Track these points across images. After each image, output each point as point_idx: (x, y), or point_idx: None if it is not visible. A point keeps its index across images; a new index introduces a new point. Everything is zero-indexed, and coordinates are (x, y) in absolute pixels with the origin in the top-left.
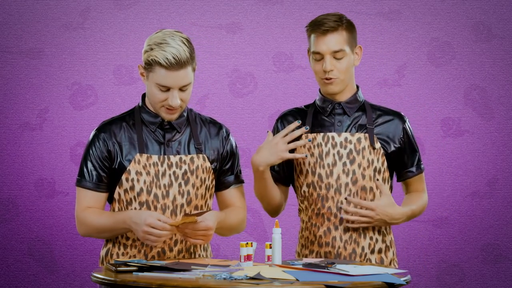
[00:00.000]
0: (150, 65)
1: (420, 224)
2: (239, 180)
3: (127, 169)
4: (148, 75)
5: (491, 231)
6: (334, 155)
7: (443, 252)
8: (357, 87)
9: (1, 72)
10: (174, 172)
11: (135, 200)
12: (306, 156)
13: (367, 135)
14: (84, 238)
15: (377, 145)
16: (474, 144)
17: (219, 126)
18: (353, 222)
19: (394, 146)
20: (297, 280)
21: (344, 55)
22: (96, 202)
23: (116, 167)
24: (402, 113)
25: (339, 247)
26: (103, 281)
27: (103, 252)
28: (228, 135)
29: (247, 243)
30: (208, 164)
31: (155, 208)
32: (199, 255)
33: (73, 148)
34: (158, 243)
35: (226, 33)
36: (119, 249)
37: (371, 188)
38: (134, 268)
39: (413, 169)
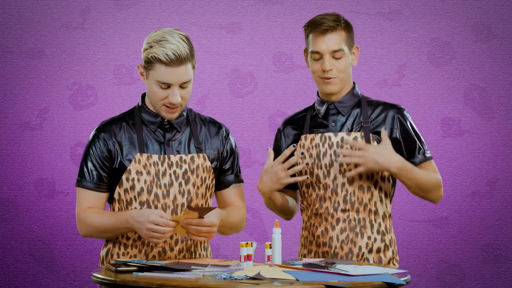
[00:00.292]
0: (150, 62)
1: (420, 224)
2: (238, 180)
3: (128, 168)
4: (148, 74)
5: (491, 231)
6: (331, 155)
7: (443, 252)
8: (354, 83)
9: (1, 72)
10: (174, 172)
11: (136, 200)
12: (308, 178)
13: (363, 133)
14: (84, 238)
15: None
16: (474, 144)
17: (219, 126)
18: (348, 166)
19: (391, 138)
20: (297, 280)
21: (342, 55)
22: (97, 202)
23: (117, 166)
24: (399, 105)
25: (335, 247)
26: (103, 281)
27: (103, 252)
28: (227, 134)
29: (247, 243)
30: (208, 163)
31: (156, 207)
32: (200, 255)
33: (73, 148)
34: (162, 240)
35: (226, 33)
36: (119, 249)
37: (369, 188)
38: (134, 268)
39: (415, 159)
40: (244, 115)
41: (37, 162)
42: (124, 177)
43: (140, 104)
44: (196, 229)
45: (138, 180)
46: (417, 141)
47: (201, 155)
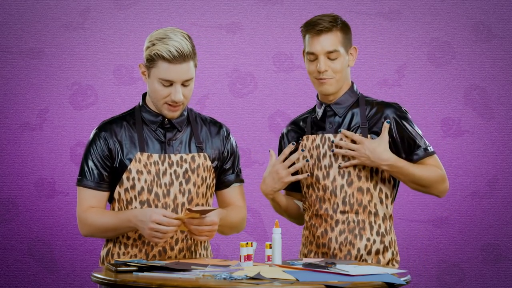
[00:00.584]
0: (152, 60)
1: (420, 224)
2: (239, 179)
3: (128, 168)
4: (150, 72)
5: (491, 231)
6: (330, 156)
7: (443, 252)
8: (352, 83)
9: (1, 72)
10: (175, 171)
11: (136, 199)
12: (309, 175)
13: (361, 135)
14: (84, 238)
15: (369, 138)
16: (474, 144)
17: (219, 126)
18: (343, 157)
19: (389, 137)
20: (297, 280)
21: (338, 56)
22: (98, 201)
23: (117, 165)
24: (396, 103)
25: (334, 249)
26: (103, 281)
27: (103, 252)
28: (228, 134)
29: (247, 243)
30: (209, 162)
31: (156, 207)
32: (200, 254)
33: (73, 148)
34: (163, 240)
35: (226, 33)
36: (119, 248)
37: (368, 189)
38: (134, 268)
39: (414, 156)
40: (244, 115)
41: (37, 162)
42: (124, 176)
43: (141, 103)
44: (197, 228)
45: (139, 179)
46: (416, 138)
47: (201, 154)
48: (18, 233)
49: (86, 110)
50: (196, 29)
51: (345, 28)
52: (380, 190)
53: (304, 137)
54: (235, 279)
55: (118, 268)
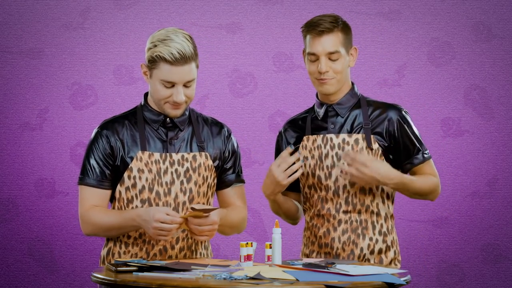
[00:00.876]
0: (154, 61)
1: (420, 224)
2: (240, 180)
3: (129, 166)
4: (152, 73)
5: (491, 231)
6: (332, 157)
7: (443, 252)
8: (352, 83)
9: (1, 72)
10: (176, 170)
11: (137, 198)
12: (304, 159)
13: (364, 135)
14: (84, 238)
15: (375, 145)
16: (474, 144)
17: (221, 126)
18: (348, 174)
19: (390, 139)
20: (297, 280)
21: (339, 57)
22: (100, 200)
23: (119, 164)
24: (399, 105)
25: (337, 248)
26: (103, 281)
27: (104, 251)
28: (229, 134)
29: (247, 243)
30: (210, 162)
31: (157, 205)
32: (201, 254)
33: (73, 148)
34: (169, 238)
35: (226, 33)
36: (120, 248)
37: (370, 189)
38: (134, 268)
39: (413, 160)
40: (244, 115)
41: (37, 162)
42: (125, 175)
43: (142, 103)
44: (198, 228)
45: (140, 178)
46: (416, 142)
47: (203, 153)
48: (18, 233)
49: (86, 110)
50: (196, 29)
51: (346, 29)
52: (382, 190)
53: (305, 137)
54: (235, 279)
55: (118, 268)
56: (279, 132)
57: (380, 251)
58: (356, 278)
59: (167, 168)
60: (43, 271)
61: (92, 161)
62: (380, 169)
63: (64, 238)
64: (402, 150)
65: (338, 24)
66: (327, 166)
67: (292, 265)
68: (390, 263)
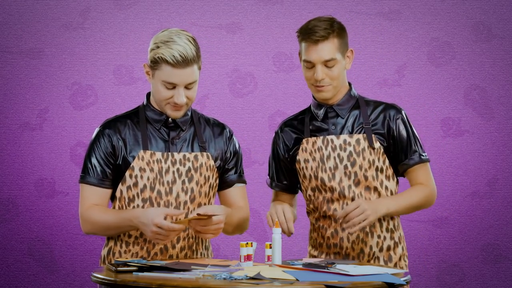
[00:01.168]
0: (156, 63)
1: (420, 224)
2: (242, 180)
3: (131, 165)
4: (154, 73)
5: (491, 231)
6: (335, 158)
7: (443, 252)
8: (349, 84)
9: (1, 72)
10: (177, 169)
11: (138, 197)
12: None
13: (365, 135)
14: (84, 238)
15: (376, 144)
16: (474, 144)
17: (223, 127)
18: (358, 230)
19: (389, 138)
20: (297, 280)
21: (335, 63)
22: (100, 199)
23: (120, 163)
24: (397, 105)
25: (347, 248)
26: (103, 281)
27: (104, 251)
28: (231, 135)
29: (247, 243)
30: (212, 162)
31: (158, 205)
32: (201, 254)
33: (73, 148)
34: (167, 241)
35: (226, 33)
36: (121, 247)
37: (375, 188)
38: (134, 268)
39: (409, 161)
40: (244, 115)
41: (37, 162)
42: (127, 173)
43: (145, 102)
44: (203, 228)
45: (141, 177)
46: (414, 143)
47: (204, 153)
48: (18, 233)
49: (86, 110)
50: (196, 29)
51: (341, 32)
52: (386, 188)
53: (304, 140)
54: (235, 279)
55: (118, 268)
56: (275, 132)
57: (388, 248)
58: (356, 278)
59: (168, 167)
60: (43, 271)
61: (93, 160)
62: (377, 205)
63: (64, 238)
64: (399, 151)
65: (333, 30)
66: (329, 168)
67: (292, 265)
68: (400, 259)
